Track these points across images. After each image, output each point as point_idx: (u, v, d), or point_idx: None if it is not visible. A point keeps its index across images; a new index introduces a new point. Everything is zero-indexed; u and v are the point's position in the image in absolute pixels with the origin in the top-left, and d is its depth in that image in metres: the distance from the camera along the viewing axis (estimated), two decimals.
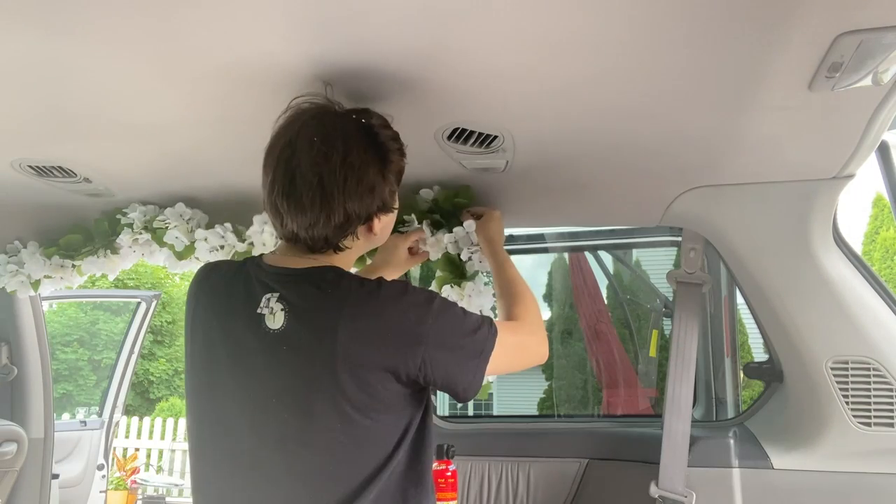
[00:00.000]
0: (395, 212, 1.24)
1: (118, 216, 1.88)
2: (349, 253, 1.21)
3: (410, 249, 1.65)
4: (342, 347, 1.08)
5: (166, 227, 1.82)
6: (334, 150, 1.11)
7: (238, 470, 1.16)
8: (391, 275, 1.60)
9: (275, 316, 1.12)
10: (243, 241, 1.83)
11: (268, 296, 1.14)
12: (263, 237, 1.77)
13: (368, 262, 1.67)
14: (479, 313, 1.33)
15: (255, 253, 1.77)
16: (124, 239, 1.87)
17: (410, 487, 1.15)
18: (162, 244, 1.85)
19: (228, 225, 1.82)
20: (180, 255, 1.86)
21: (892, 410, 1.62)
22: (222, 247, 1.80)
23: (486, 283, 1.64)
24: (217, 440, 1.18)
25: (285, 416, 1.11)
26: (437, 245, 1.65)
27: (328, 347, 1.09)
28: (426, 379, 1.12)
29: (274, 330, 1.12)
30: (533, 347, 1.32)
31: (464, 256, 1.65)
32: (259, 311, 1.13)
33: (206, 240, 1.80)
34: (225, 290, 1.21)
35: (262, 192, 1.18)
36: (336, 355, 1.08)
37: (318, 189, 1.11)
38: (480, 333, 1.17)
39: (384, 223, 1.21)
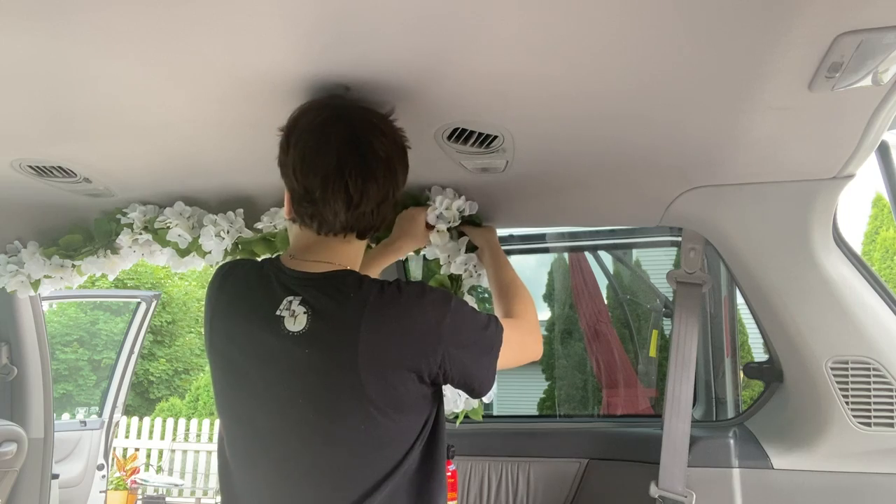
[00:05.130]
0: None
1: (118, 216, 1.88)
2: (357, 251, 1.25)
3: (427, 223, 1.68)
4: (365, 349, 1.10)
5: (168, 227, 1.81)
6: (389, 128, 1.19)
7: (265, 467, 1.18)
8: (409, 246, 1.65)
9: (296, 318, 1.13)
10: (253, 229, 1.82)
11: (289, 298, 1.15)
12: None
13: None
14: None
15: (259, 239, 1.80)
16: (124, 239, 1.86)
17: (425, 482, 1.18)
18: (165, 244, 1.85)
19: (241, 211, 1.82)
20: (184, 252, 1.85)
21: (892, 410, 1.62)
22: (228, 231, 1.80)
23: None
24: (245, 439, 1.20)
25: (311, 417, 1.13)
26: (443, 241, 1.65)
27: (351, 349, 1.10)
28: (445, 376, 1.16)
29: (294, 332, 1.13)
30: (531, 345, 1.36)
31: (458, 270, 1.66)
32: (278, 313, 1.14)
33: (214, 223, 1.79)
34: (246, 291, 1.22)
35: (309, 178, 1.15)
36: (359, 357, 1.10)
37: (386, 164, 1.17)
38: (490, 330, 1.21)
39: None
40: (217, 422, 1.29)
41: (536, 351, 1.37)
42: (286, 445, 1.15)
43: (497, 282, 1.53)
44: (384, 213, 1.20)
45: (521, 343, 1.33)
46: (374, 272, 1.58)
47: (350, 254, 1.22)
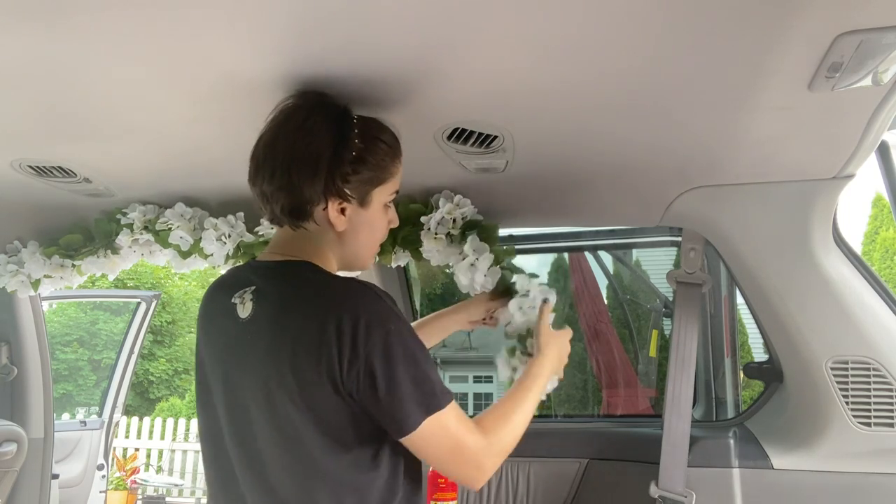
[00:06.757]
0: (370, 215, 1.20)
1: (118, 216, 1.88)
2: (319, 247, 1.20)
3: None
4: (290, 339, 1.07)
5: (170, 229, 1.81)
6: (297, 114, 1.14)
7: (225, 463, 1.17)
8: (442, 332, 1.65)
9: (245, 305, 1.14)
10: (253, 233, 1.82)
11: (245, 288, 1.17)
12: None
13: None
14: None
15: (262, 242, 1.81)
16: (124, 239, 1.86)
17: None
18: (167, 245, 1.85)
19: (241, 214, 1.81)
20: (186, 254, 1.85)
21: (892, 410, 1.61)
22: (229, 235, 1.80)
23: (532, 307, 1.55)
24: (208, 433, 1.21)
25: (252, 408, 1.12)
26: (441, 247, 1.65)
27: (278, 338, 1.09)
28: (360, 398, 1.06)
29: (243, 319, 1.14)
30: (469, 459, 1.13)
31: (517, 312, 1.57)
32: (233, 300, 1.16)
33: (215, 227, 1.79)
34: (220, 291, 1.24)
35: None
36: (281, 348, 1.08)
37: (271, 144, 1.14)
38: (431, 388, 1.08)
39: (350, 218, 1.18)
40: None
41: (469, 474, 1.14)
42: (235, 440, 1.15)
43: (515, 386, 1.35)
44: (298, 195, 1.13)
45: (455, 446, 1.11)
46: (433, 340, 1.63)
47: (308, 248, 1.19)
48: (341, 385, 1.05)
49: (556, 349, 1.45)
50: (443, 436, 1.09)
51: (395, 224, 1.30)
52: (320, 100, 1.16)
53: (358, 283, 1.14)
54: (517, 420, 1.23)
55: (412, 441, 1.09)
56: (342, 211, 1.16)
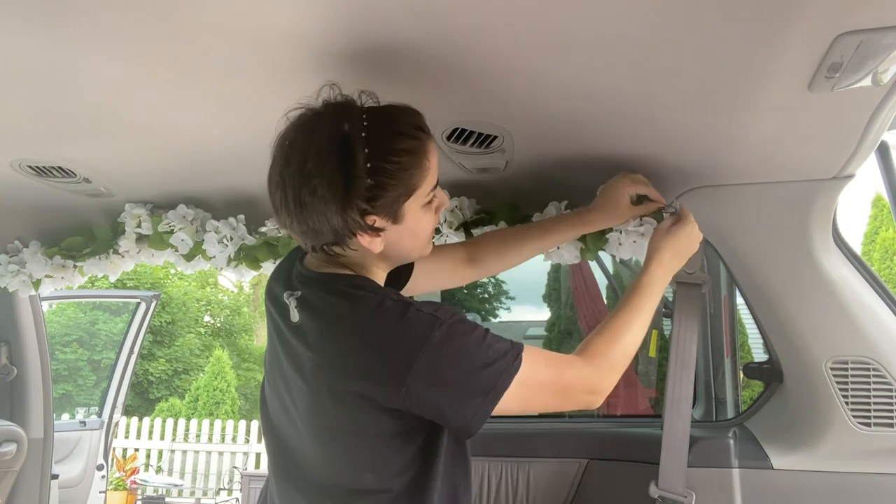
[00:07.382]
0: (408, 224, 1.09)
1: (119, 220, 1.88)
2: (362, 261, 1.15)
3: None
4: (326, 360, 1.08)
5: (171, 231, 1.81)
6: (297, 155, 1.03)
7: (277, 460, 1.21)
8: (602, 222, 1.50)
9: (293, 310, 1.14)
10: (255, 235, 1.82)
11: (293, 291, 1.15)
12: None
13: None
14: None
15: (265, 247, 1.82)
16: (126, 240, 1.86)
17: None
18: (166, 247, 1.85)
19: (242, 216, 1.81)
20: (189, 256, 1.85)
21: (891, 410, 1.61)
22: (231, 238, 1.80)
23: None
24: (265, 428, 1.25)
25: (292, 410, 1.15)
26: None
27: (316, 356, 1.09)
28: (413, 412, 1.03)
29: (294, 323, 1.14)
30: (576, 391, 1.12)
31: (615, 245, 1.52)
32: (286, 300, 1.16)
33: (216, 230, 1.79)
34: (276, 283, 1.25)
35: None
36: (320, 367, 1.08)
37: (280, 186, 1.05)
38: (494, 368, 1.02)
39: (386, 237, 1.08)
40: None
41: (584, 399, 1.13)
42: (281, 438, 1.18)
43: (625, 294, 1.26)
44: (320, 237, 1.06)
45: (553, 387, 1.09)
46: (555, 241, 1.52)
47: (350, 261, 1.14)
48: (387, 405, 1.03)
49: (670, 250, 1.31)
50: (534, 389, 1.06)
51: (446, 206, 1.17)
52: (319, 121, 1.04)
53: (393, 301, 1.07)
54: (627, 340, 1.18)
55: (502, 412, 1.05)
56: (376, 233, 1.07)
